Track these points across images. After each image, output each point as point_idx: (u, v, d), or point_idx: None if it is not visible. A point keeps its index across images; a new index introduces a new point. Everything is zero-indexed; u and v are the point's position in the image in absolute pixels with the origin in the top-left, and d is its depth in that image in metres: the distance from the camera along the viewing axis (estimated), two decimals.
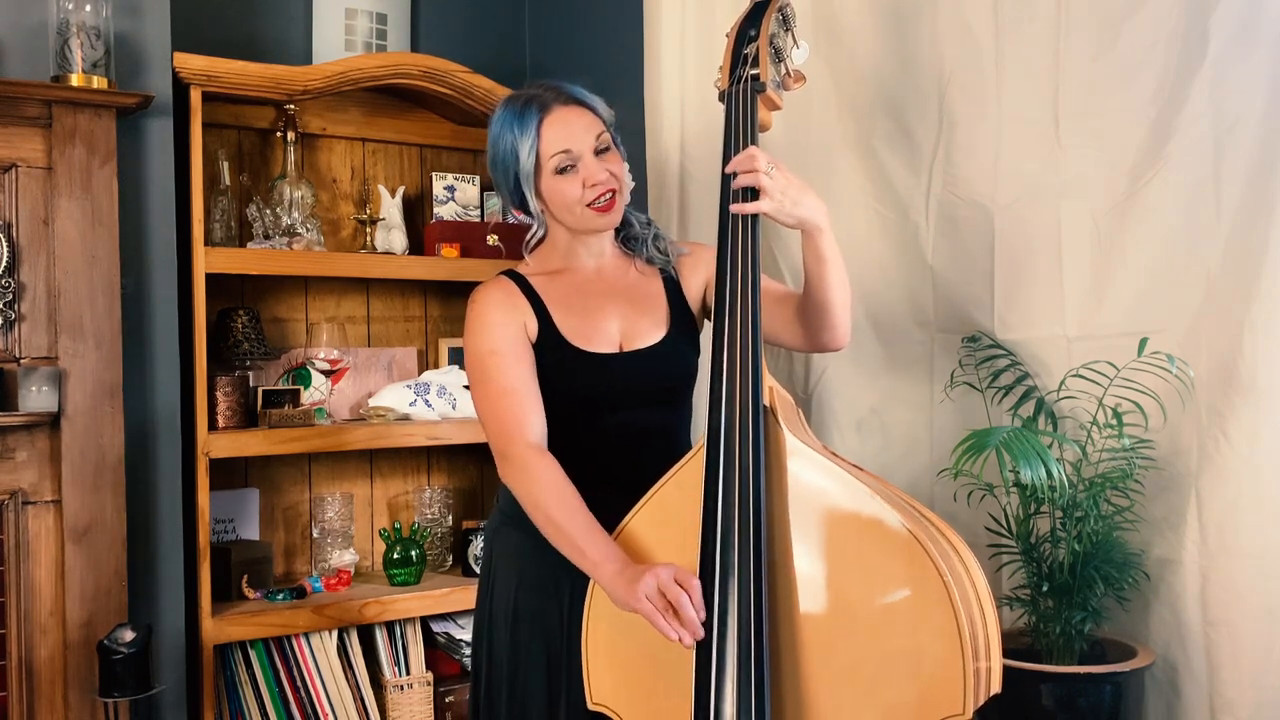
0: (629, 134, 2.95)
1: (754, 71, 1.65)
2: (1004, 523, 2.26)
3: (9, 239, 2.37)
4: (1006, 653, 2.13)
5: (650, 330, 1.82)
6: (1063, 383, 2.21)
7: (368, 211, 3.07)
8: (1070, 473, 2.14)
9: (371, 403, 2.94)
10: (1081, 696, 2.07)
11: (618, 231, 1.90)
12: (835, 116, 2.57)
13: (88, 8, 2.42)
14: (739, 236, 1.61)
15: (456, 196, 3.17)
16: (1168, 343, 2.09)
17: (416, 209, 3.21)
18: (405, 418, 2.91)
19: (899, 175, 2.48)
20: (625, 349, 1.81)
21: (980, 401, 2.36)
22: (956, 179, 2.39)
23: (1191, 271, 2.09)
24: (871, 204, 2.53)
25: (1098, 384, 2.14)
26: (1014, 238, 2.32)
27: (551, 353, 1.79)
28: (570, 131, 1.77)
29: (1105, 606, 2.17)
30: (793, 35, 1.73)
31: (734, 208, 1.59)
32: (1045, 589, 2.17)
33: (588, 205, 1.77)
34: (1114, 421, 2.11)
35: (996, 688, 1.47)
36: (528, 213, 1.85)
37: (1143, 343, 2.09)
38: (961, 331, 2.41)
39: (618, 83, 3.01)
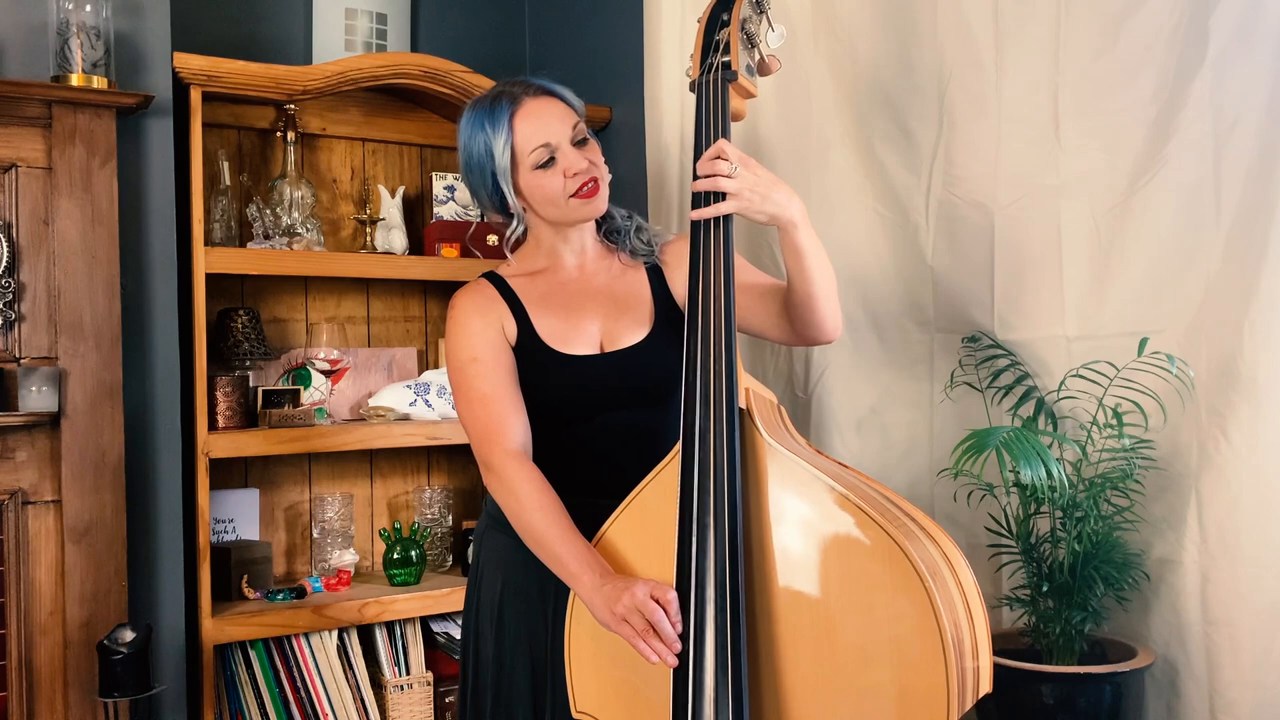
0: (629, 134, 2.97)
1: (725, 59, 1.61)
2: (1004, 523, 2.26)
3: (9, 239, 2.37)
4: (1007, 653, 2.14)
5: (632, 329, 1.79)
6: (1063, 383, 2.21)
7: (368, 211, 3.07)
8: (1070, 473, 2.14)
9: (371, 403, 2.94)
10: (1081, 696, 2.07)
11: (599, 225, 1.87)
12: (835, 115, 2.57)
13: (88, 8, 2.42)
14: (710, 233, 1.58)
15: (456, 196, 3.17)
16: (1168, 343, 2.09)
17: (416, 209, 3.21)
18: (405, 418, 2.91)
19: (899, 175, 2.48)
20: (606, 349, 1.79)
21: (980, 401, 2.36)
22: (956, 179, 2.39)
23: (1191, 271, 2.09)
24: (871, 204, 2.53)
25: (1098, 384, 2.14)
26: (1014, 238, 2.32)
27: (530, 356, 1.77)
28: (545, 124, 1.74)
29: (1105, 606, 2.17)
30: (767, 19, 1.68)
31: (696, 214, 1.57)
32: (1045, 589, 2.17)
33: (571, 196, 1.75)
34: (1114, 421, 2.11)
35: (987, 687, 1.45)
36: (506, 213, 1.83)
37: (1143, 343, 2.09)
38: (961, 331, 2.41)
39: (618, 82, 3.01)
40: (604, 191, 1.78)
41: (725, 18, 1.64)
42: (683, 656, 1.48)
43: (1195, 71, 2.06)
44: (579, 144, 1.76)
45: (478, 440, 1.72)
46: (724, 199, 1.56)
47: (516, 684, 1.78)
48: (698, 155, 1.60)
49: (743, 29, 1.64)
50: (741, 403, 1.52)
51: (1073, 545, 2.13)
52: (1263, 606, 2.00)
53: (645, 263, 1.87)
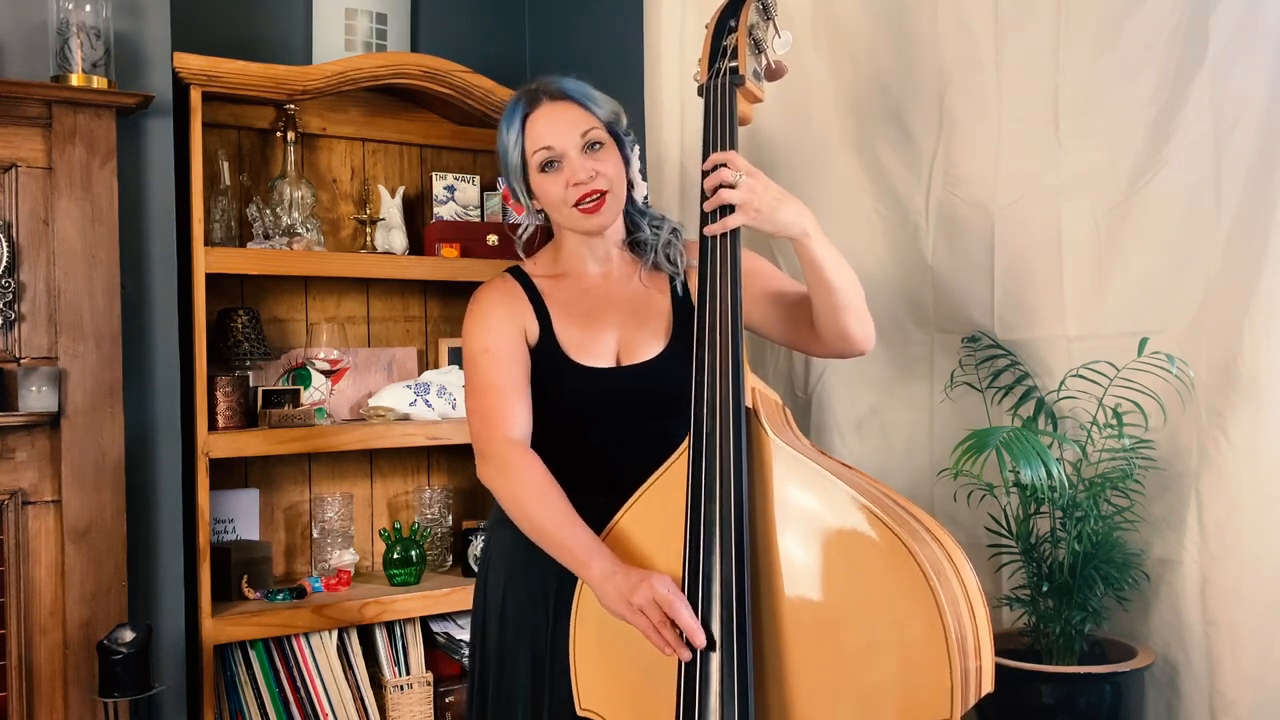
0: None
1: (733, 64, 1.62)
2: (1004, 523, 2.26)
3: (9, 239, 2.37)
4: (1007, 653, 2.14)
5: (649, 343, 1.79)
6: (1063, 383, 2.21)
7: (368, 211, 3.07)
8: (1070, 473, 2.14)
9: (371, 403, 2.94)
10: (1081, 696, 2.07)
11: (627, 232, 1.87)
12: (835, 116, 2.57)
13: (88, 8, 2.42)
14: (719, 237, 1.58)
15: (456, 196, 3.17)
16: (1168, 343, 2.09)
17: (416, 209, 3.21)
18: (405, 418, 2.91)
19: (899, 175, 2.48)
20: (623, 362, 1.79)
21: (980, 401, 2.36)
22: (956, 179, 2.39)
23: (1191, 271, 2.09)
24: (871, 204, 2.53)
25: (1098, 384, 2.14)
26: (1014, 238, 2.32)
27: (548, 362, 1.77)
28: (553, 128, 1.74)
29: (1105, 606, 2.17)
30: (774, 25, 1.68)
31: (708, 230, 1.57)
32: (1045, 589, 2.17)
33: (573, 205, 1.74)
34: (1114, 421, 2.11)
35: (989, 687, 1.46)
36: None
37: (1143, 343, 2.09)
38: (961, 331, 2.41)
39: (618, 83, 2.99)
40: (611, 205, 1.76)
41: (733, 23, 1.65)
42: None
43: (1195, 71, 2.06)
44: (591, 149, 1.74)
45: (477, 429, 1.72)
46: (732, 211, 1.56)
47: (517, 677, 1.80)
48: (705, 158, 1.61)
49: (750, 34, 1.65)
50: (748, 402, 1.53)
51: (1073, 545, 2.13)
52: (1263, 606, 2.00)
53: (671, 277, 1.85)
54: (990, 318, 2.36)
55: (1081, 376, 2.16)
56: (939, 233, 2.43)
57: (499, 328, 1.77)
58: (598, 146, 1.75)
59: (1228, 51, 2.03)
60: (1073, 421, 2.23)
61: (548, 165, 1.75)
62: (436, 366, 3.20)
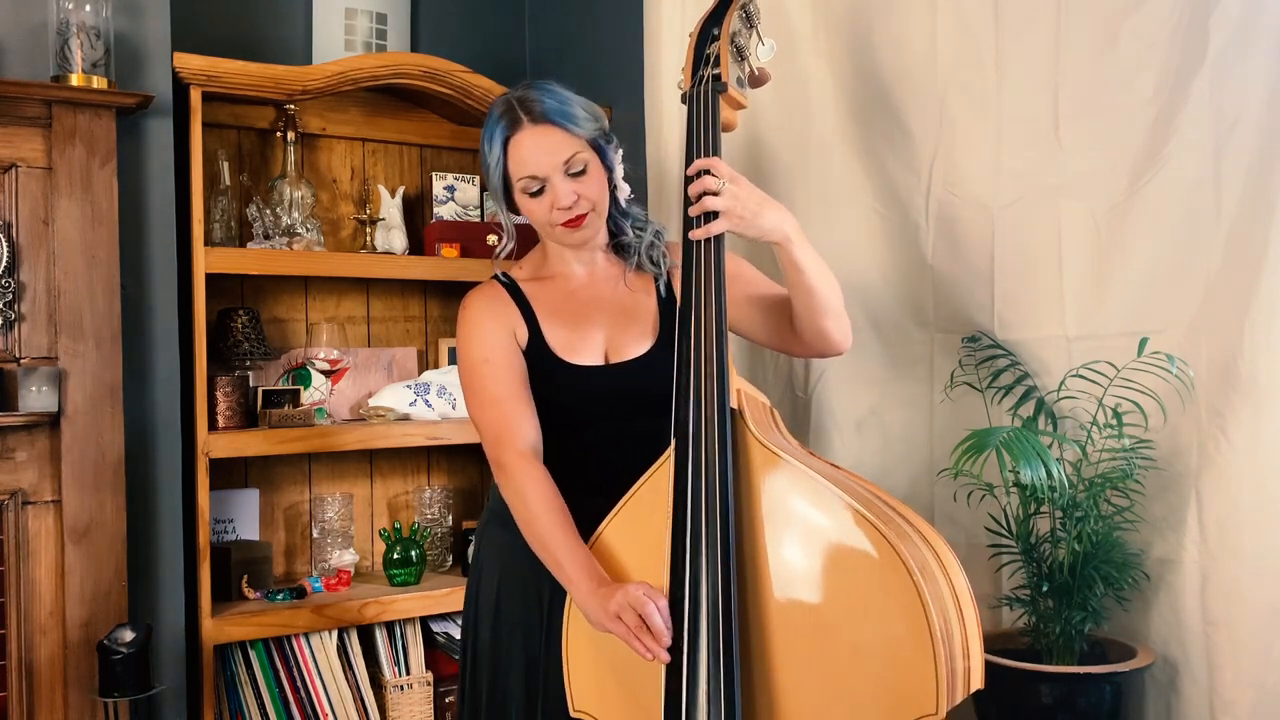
0: (629, 134, 2.96)
1: (715, 71, 1.63)
2: (1004, 523, 2.26)
3: (9, 239, 2.37)
4: (1007, 653, 2.14)
5: (637, 341, 1.81)
6: (1063, 383, 2.21)
7: (368, 211, 3.07)
8: (1070, 473, 2.14)
9: (371, 403, 2.94)
10: (1081, 696, 2.07)
11: (611, 236, 1.88)
12: (835, 116, 2.57)
13: (88, 8, 2.42)
14: (702, 242, 1.60)
15: (456, 196, 3.17)
16: (1168, 343, 2.09)
17: (416, 209, 3.21)
18: (405, 418, 2.91)
19: (899, 175, 2.48)
20: (611, 360, 1.80)
21: (980, 401, 2.36)
22: (956, 179, 2.39)
23: (1191, 271, 2.09)
24: (871, 204, 2.53)
25: (1098, 384, 2.14)
26: (1014, 238, 2.32)
27: (538, 363, 1.79)
28: (536, 156, 1.74)
29: (1105, 606, 2.17)
30: (757, 32, 1.70)
31: (692, 235, 1.59)
32: (1045, 589, 2.17)
33: (557, 224, 1.77)
34: (1114, 421, 2.11)
35: (977, 684, 1.47)
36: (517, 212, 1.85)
37: (1143, 343, 2.09)
38: (961, 331, 2.41)
39: (618, 83, 3.01)
40: (593, 221, 1.79)
41: (716, 32, 1.66)
42: (676, 654, 1.50)
43: (1195, 71, 2.06)
44: (575, 174, 1.75)
45: (490, 441, 1.74)
46: (716, 218, 1.58)
47: (511, 677, 1.81)
48: (688, 165, 1.62)
49: (733, 42, 1.66)
50: (733, 404, 1.54)
51: (1073, 545, 2.13)
52: (1263, 606, 2.00)
53: (656, 277, 1.87)
54: (990, 318, 2.36)
55: (1081, 376, 2.16)
56: (939, 233, 2.43)
57: (493, 335, 1.79)
58: (581, 171, 1.76)
59: (1228, 51, 2.03)
60: (1073, 421, 2.23)
61: (537, 191, 1.76)
62: (436, 366, 3.20)
